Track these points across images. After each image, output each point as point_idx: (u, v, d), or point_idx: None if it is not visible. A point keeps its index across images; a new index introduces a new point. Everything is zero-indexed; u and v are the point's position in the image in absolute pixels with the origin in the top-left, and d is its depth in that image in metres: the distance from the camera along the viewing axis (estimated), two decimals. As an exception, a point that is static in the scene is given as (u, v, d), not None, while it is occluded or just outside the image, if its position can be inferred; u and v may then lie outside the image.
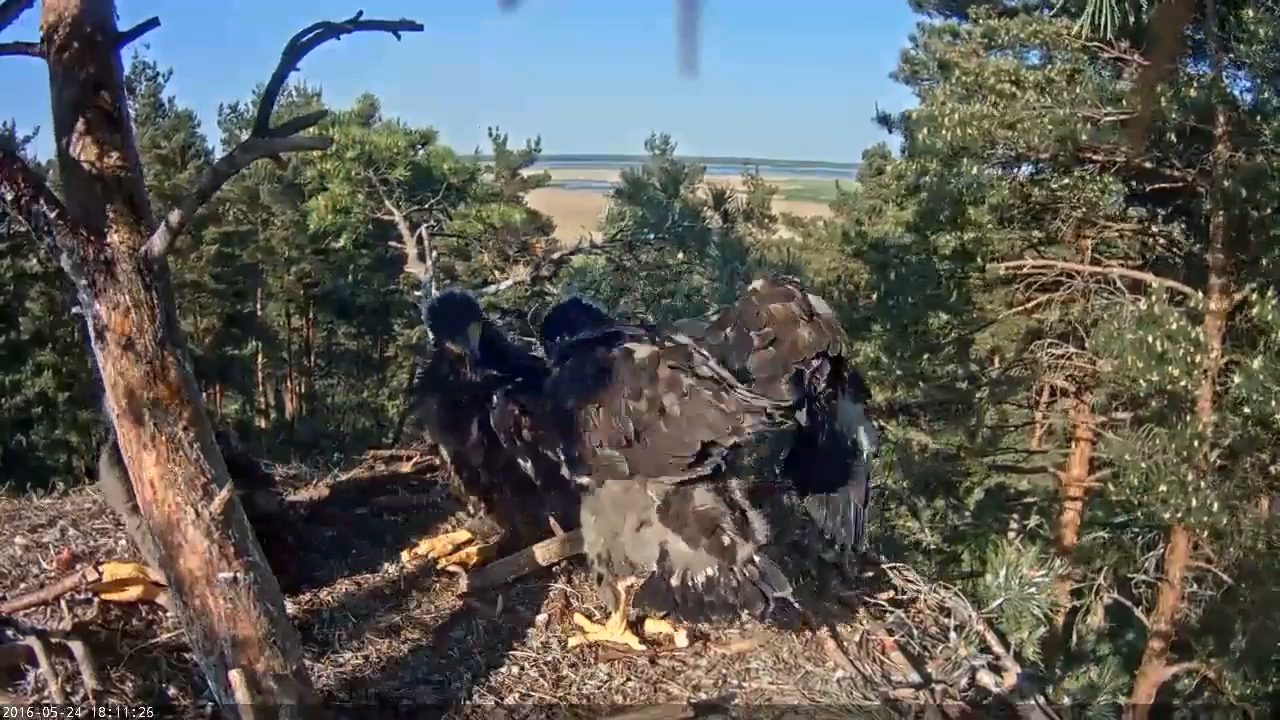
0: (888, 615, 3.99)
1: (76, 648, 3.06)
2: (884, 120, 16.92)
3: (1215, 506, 9.46)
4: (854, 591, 4.19)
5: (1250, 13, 9.71)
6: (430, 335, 4.11)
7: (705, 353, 3.46)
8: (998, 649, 3.84)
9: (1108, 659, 13.21)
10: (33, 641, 3.05)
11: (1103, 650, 14.33)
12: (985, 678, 3.66)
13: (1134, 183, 12.94)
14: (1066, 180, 12.37)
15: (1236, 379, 9.24)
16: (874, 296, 13.27)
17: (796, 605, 3.39)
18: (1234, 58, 10.40)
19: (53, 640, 3.09)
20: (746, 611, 3.26)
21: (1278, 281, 10.14)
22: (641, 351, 3.38)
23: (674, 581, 3.29)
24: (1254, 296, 9.80)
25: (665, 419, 3.24)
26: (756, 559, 3.27)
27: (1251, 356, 9.41)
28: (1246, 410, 9.21)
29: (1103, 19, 2.32)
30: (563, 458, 3.53)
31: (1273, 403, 8.89)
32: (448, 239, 10.88)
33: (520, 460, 3.98)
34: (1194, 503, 9.51)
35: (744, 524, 3.32)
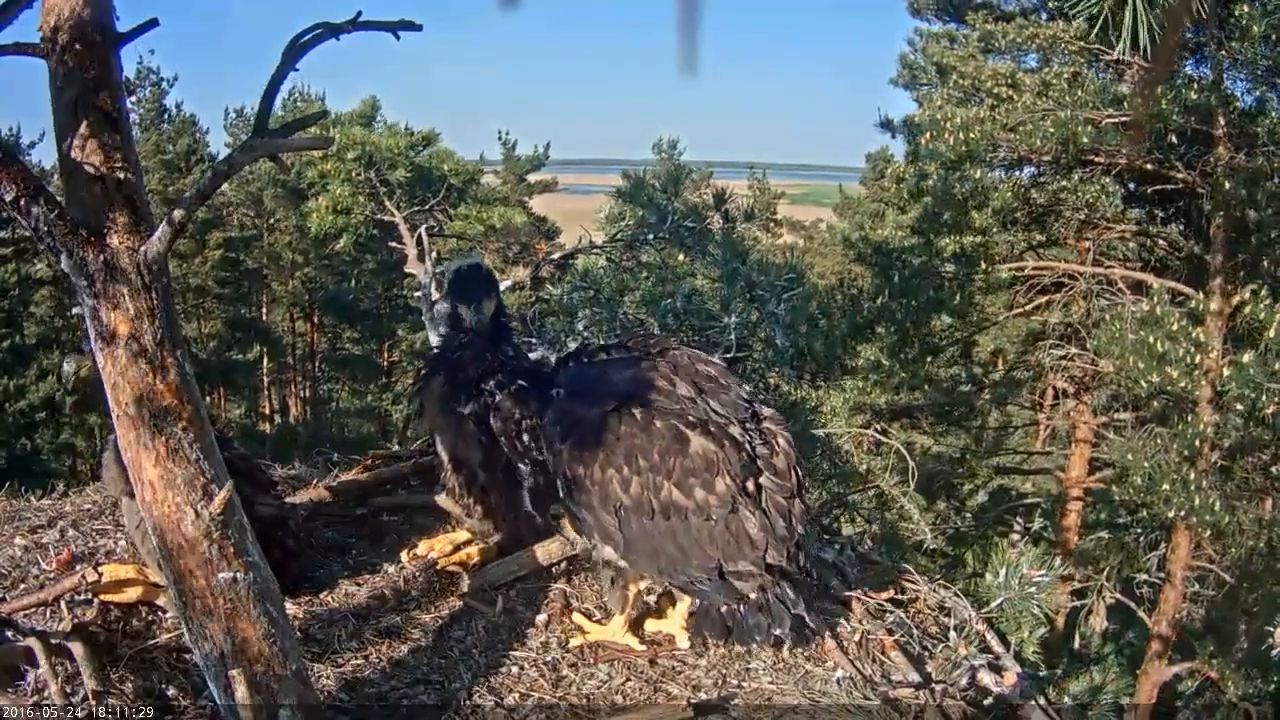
0: (887, 615, 3.99)
1: (76, 648, 3.06)
2: (886, 125, 16.96)
3: (1217, 506, 9.47)
4: (854, 591, 4.18)
5: (1245, 9, 9.73)
6: (444, 304, 4.12)
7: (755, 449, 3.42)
8: (998, 649, 3.84)
9: (1109, 659, 13.18)
10: (32, 642, 3.05)
11: (1105, 651, 14.30)
12: (985, 677, 3.65)
13: (1135, 184, 12.96)
14: (1067, 183, 12.39)
15: (1226, 373, 9.23)
16: (878, 300, 13.27)
17: (811, 625, 3.41)
18: (1227, 55, 10.41)
19: (52, 641, 3.09)
20: (777, 632, 3.32)
21: (1277, 282, 10.14)
22: (697, 443, 3.33)
23: (723, 609, 3.36)
24: (1248, 295, 9.80)
25: (702, 528, 3.29)
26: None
27: (1249, 352, 9.41)
28: (1239, 407, 9.21)
29: (1141, 33, 2.33)
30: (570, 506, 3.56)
31: (1263, 398, 8.89)
32: (448, 239, 10.92)
33: (520, 465, 3.98)
34: (1196, 502, 9.52)
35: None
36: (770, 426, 3.51)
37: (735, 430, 3.40)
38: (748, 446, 3.38)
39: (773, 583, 3.32)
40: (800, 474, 3.48)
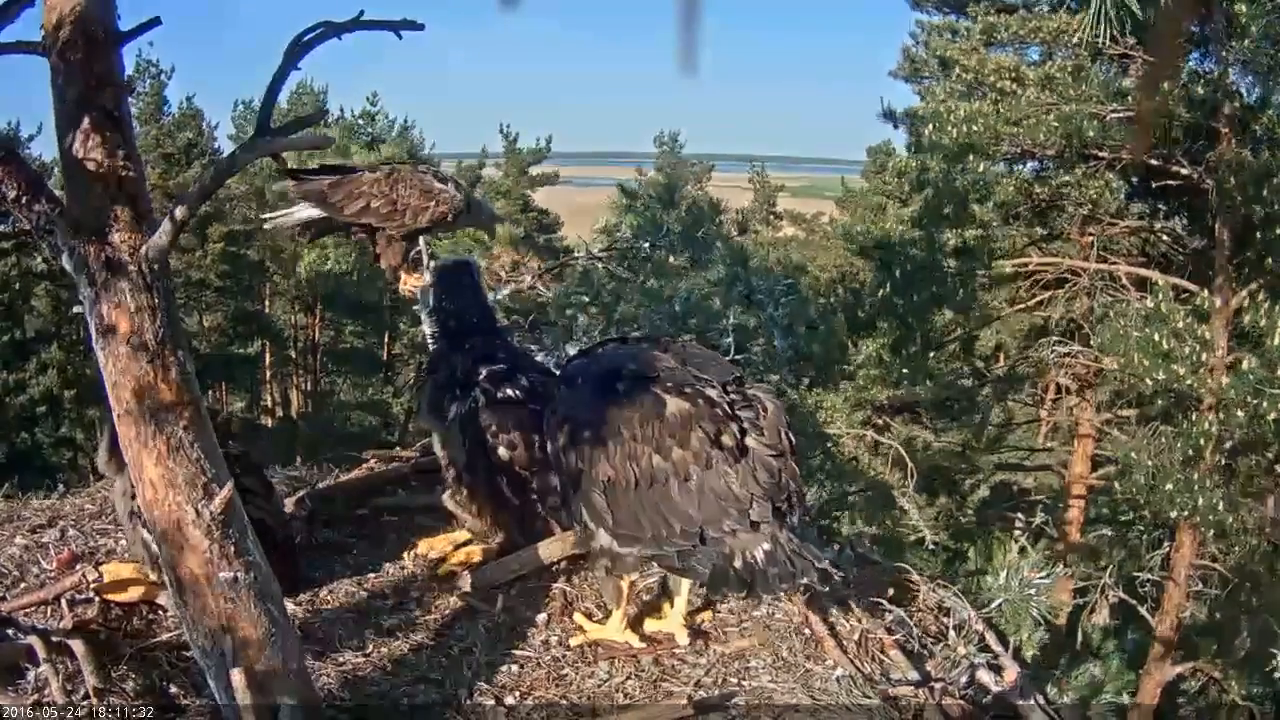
0: (887, 614, 3.98)
1: (77, 646, 3.07)
2: (889, 115, 16.86)
3: (1221, 505, 9.40)
4: (853, 590, 4.18)
5: (1243, 8, 9.68)
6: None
7: (734, 411, 3.36)
8: (997, 648, 3.84)
9: (1110, 658, 13.17)
10: (33, 640, 3.06)
11: (1106, 649, 14.29)
12: (984, 676, 3.65)
13: (1139, 180, 12.90)
14: (1070, 177, 12.34)
15: (1225, 380, 9.16)
16: (879, 294, 13.22)
17: (837, 574, 3.30)
18: (1229, 54, 10.36)
19: (53, 639, 3.10)
20: (805, 580, 3.20)
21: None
22: (674, 405, 3.29)
23: (737, 564, 3.23)
24: (1246, 301, 9.73)
25: (682, 490, 3.22)
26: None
27: (1249, 357, 9.34)
28: (1239, 413, 9.12)
29: (1103, 27, 2.31)
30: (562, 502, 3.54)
31: (1264, 403, 8.81)
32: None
33: (499, 477, 3.99)
34: (1200, 501, 9.45)
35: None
36: (757, 393, 3.46)
37: (713, 391, 3.35)
38: (724, 405, 3.32)
39: (786, 535, 3.21)
40: (791, 436, 3.40)
